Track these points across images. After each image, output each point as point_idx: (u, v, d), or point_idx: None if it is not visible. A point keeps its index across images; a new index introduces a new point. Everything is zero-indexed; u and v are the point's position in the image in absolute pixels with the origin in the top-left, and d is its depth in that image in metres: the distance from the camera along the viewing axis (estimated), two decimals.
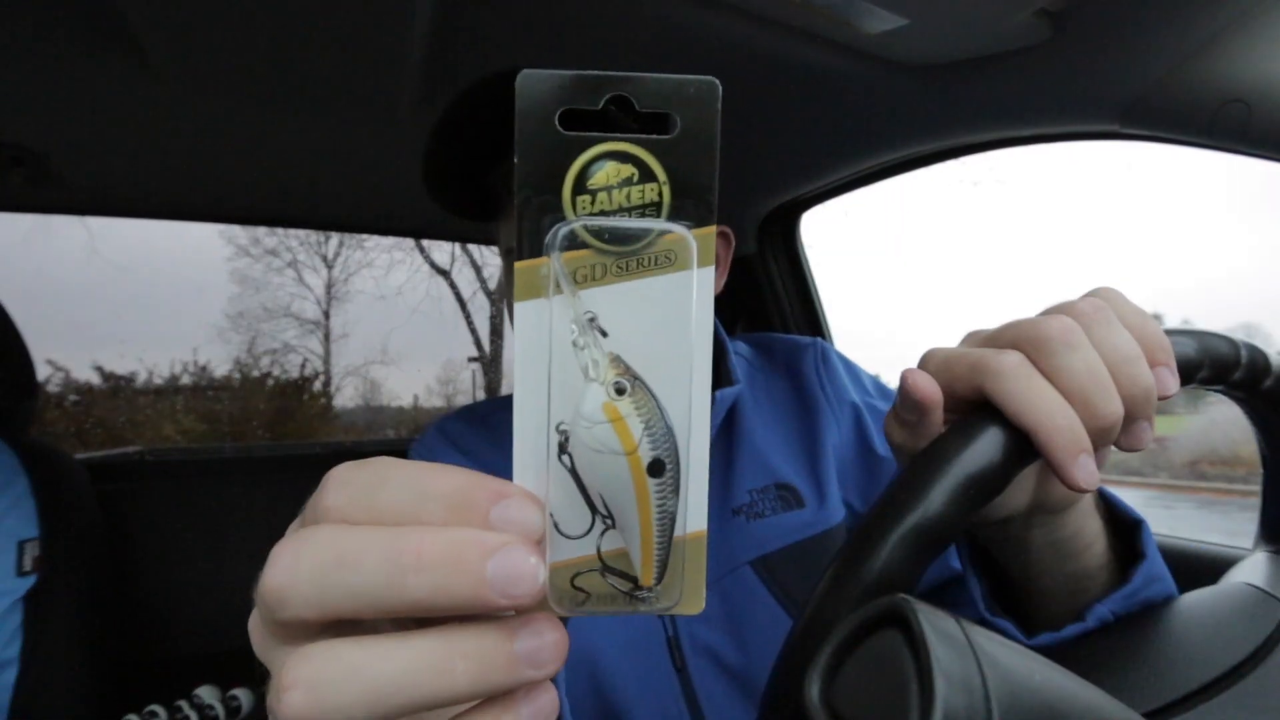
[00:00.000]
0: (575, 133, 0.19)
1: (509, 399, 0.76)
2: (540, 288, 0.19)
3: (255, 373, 8.37)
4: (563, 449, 0.19)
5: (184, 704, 1.20)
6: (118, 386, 7.15)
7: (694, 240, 0.19)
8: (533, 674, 0.18)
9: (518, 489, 0.19)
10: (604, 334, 0.19)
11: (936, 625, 0.22)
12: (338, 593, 0.17)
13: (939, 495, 0.28)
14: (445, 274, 9.07)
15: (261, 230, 8.65)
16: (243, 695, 1.27)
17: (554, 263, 0.19)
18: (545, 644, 0.18)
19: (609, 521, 0.20)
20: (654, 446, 0.19)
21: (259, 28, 0.76)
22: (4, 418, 1.02)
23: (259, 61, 0.84)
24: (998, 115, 0.80)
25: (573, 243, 0.19)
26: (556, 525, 0.20)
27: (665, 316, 0.19)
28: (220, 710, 1.22)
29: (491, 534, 0.17)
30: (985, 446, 0.29)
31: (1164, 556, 0.41)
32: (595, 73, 0.19)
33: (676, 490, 0.20)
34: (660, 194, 0.19)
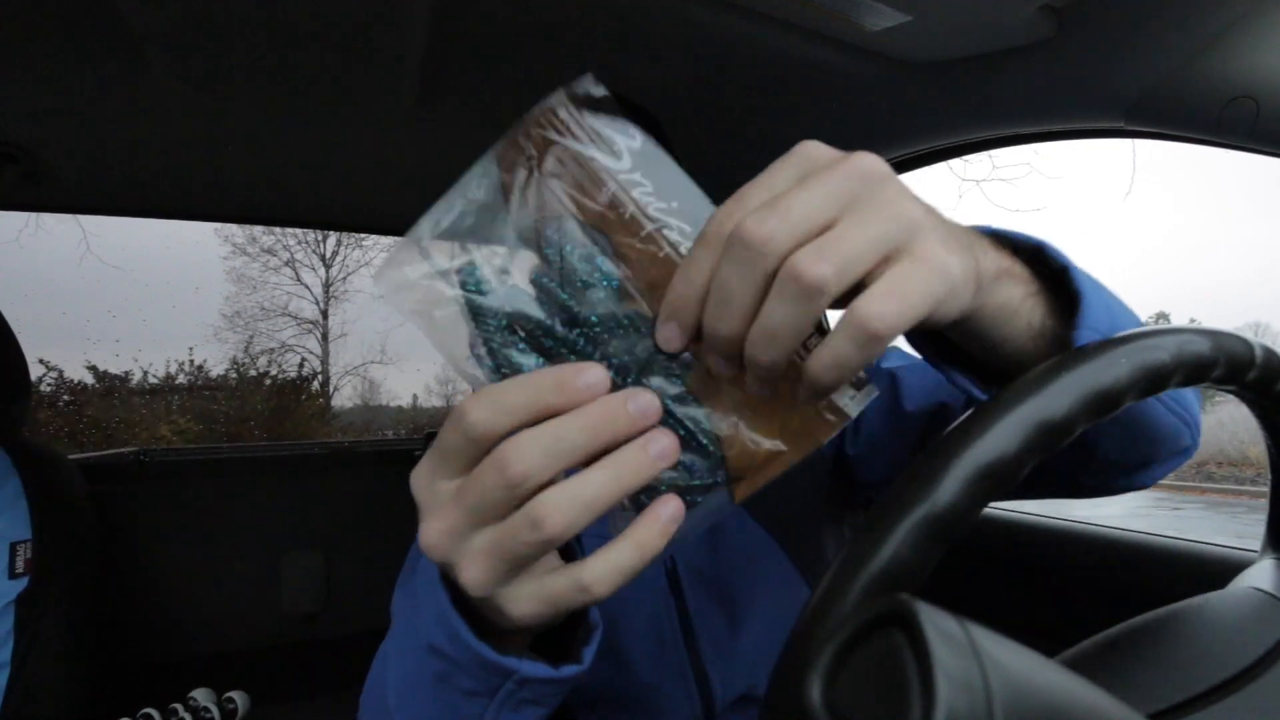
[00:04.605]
0: None
1: None
2: None
3: (252, 372, 8.37)
4: None
5: (179, 707, 1.19)
6: (112, 386, 7.14)
7: None
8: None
9: (573, 365, 0.30)
10: None
11: (939, 626, 0.21)
12: (564, 456, 0.28)
13: (950, 485, 0.28)
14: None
15: (258, 229, 8.66)
16: (238, 698, 1.26)
17: None
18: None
19: None
20: None
21: (257, 25, 0.76)
22: None
23: (257, 59, 0.83)
24: (1001, 112, 0.80)
25: None
26: None
27: None
28: (216, 713, 1.21)
29: (621, 392, 0.30)
30: (1000, 436, 0.29)
31: (1171, 558, 0.40)
32: None
33: None
34: None
